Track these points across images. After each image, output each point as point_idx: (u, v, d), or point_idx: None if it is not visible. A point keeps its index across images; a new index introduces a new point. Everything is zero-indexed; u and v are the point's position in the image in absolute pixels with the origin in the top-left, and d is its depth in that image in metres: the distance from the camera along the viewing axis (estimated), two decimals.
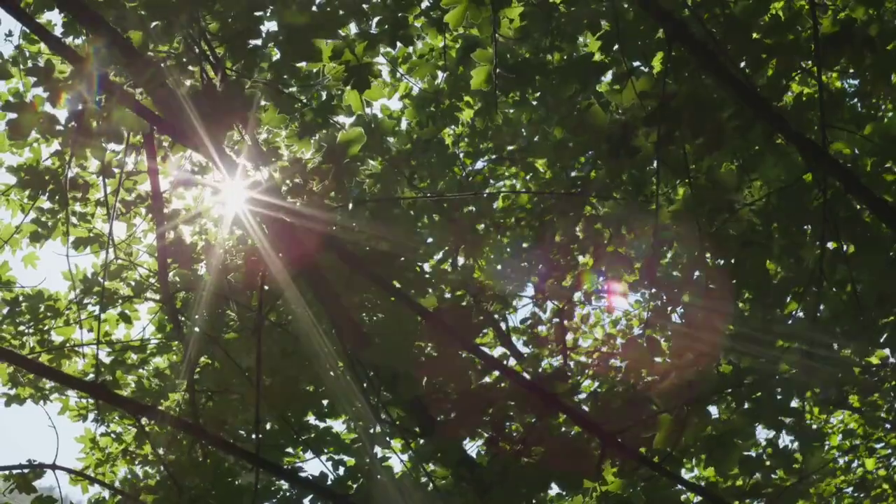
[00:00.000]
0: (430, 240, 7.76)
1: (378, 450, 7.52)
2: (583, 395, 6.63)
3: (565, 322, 8.40)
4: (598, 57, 6.42)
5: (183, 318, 7.91)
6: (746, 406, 6.04)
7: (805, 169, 6.10)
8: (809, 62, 6.03)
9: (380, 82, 7.00)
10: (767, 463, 6.25)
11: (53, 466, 7.58)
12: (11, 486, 7.95)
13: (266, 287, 6.86)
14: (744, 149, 6.23)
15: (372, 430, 7.23)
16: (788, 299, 6.33)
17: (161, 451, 8.42)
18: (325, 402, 7.90)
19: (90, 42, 6.15)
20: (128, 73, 6.03)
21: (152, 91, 6.00)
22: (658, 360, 6.37)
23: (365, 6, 6.80)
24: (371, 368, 7.10)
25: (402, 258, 7.16)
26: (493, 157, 8.31)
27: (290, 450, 8.08)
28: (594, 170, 7.25)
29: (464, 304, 7.42)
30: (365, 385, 7.16)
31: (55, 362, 8.80)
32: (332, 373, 7.54)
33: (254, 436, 7.28)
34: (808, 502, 7.03)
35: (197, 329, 7.91)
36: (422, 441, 7.40)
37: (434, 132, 8.06)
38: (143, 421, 8.06)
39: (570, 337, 8.90)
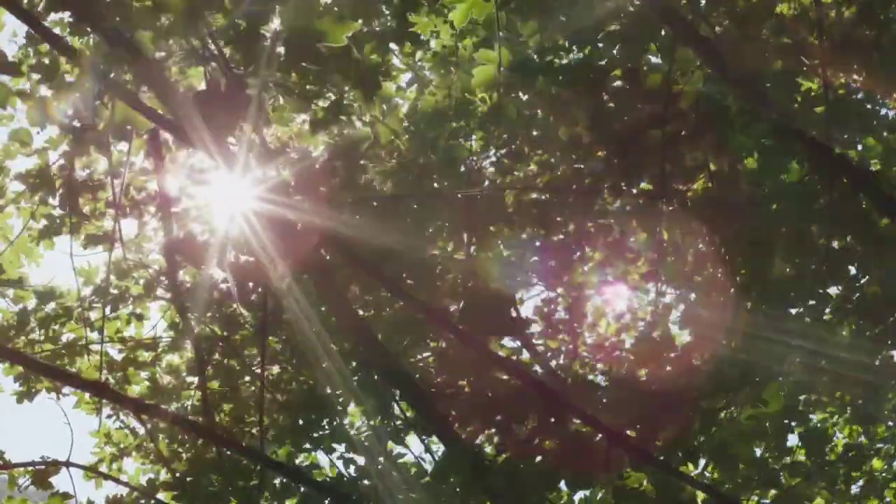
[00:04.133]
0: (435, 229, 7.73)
1: (390, 447, 7.52)
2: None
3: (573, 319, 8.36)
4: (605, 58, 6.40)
5: (193, 317, 7.92)
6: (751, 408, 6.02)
7: (812, 168, 6.07)
8: (816, 62, 5.99)
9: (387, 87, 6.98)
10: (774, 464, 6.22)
11: (67, 464, 7.62)
12: (27, 483, 7.99)
13: (272, 286, 6.86)
14: (752, 148, 6.19)
15: (385, 428, 7.24)
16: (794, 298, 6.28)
17: (175, 448, 8.43)
18: (334, 401, 7.89)
19: (95, 42, 6.16)
20: (132, 71, 6.03)
21: (157, 90, 5.99)
22: (667, 357, 6.35)
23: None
24: (379, 366, 7.11)
25: (411, 256, 7.16)
26: (504, 151, 8.28)
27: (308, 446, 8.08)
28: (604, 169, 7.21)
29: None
30: (375, 380, 7.17)
31: (67, 359, 8.81)
32: (341, 371, 7.55)
33: (259, 434, 7.30)
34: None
35: (207, 328, 7.93)
36: (433, 438, 7.41)
37: (444, 130, 8.03)
38: (152, 420, 8.09)
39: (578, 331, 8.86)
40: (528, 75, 6.66)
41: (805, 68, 6.10)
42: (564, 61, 6.99)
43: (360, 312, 7.23)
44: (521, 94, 7.10)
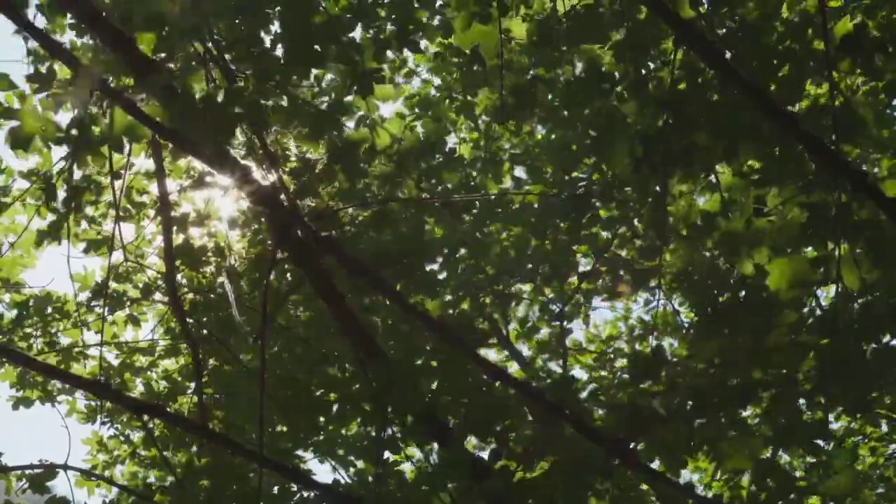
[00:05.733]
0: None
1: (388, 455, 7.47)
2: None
3: (567, 325, 8.38)
4: (608, 68, 6.33)
5: (191, 321, 7.88)
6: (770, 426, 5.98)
7: (819, 173, 6.01)
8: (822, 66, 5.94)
9: (386, 89, 6.94)
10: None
11: (65, 467, 7.60)
12: (24, 486, 7.98)
13: (272, 289, 6.84)
14: (761, 155, 6.14)
15: (382, 435, 7.18)
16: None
17: (168, 454, 8.41)
18: (334, 406, 7.83)
19: (94, 46, 6.11)
20: (132, 77, 5.99)
21: (156, 95, 5.94)
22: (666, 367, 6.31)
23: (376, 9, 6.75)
24: (379, 373, 7.07)
25: (408, 260, 7.12)
26: (499, 158, 8.29)
27: (300, 452, 8.05)
28: (596, 173, 7.20)
29: (466, 307, 7.38)
30: (374, 386, 7.13)
31: (63, 364, 8.79)
32: (339, 376, 7.52)
33: (259, 438, 7.24)
34: None
35: (205, 331, 7.90)
36: (434, 446, 7.37)
37: (440, 132, 8.01)
38: (152, 422, 8.07)
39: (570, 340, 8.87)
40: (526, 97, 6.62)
41: (811, 69, 6.06)
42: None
43: (361, 316, 7.18)
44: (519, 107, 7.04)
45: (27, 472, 7.78)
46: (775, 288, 6.03)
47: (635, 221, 7.80)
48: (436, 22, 7.34)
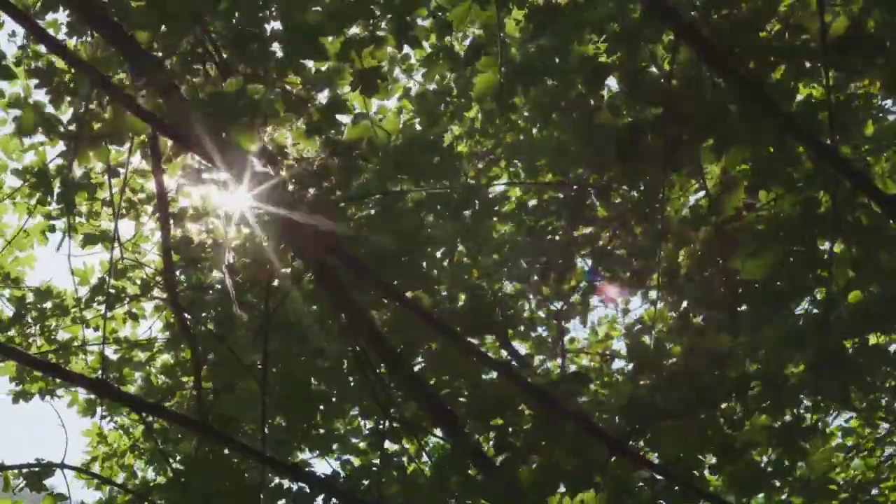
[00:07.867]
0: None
1: (388, 447, 7.49)
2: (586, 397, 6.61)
3: (563, 322, 8.39)
4: (603, 59, 6.34)
5: (189, 317, 7.89)
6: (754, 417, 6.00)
7: (814, 170, 6.03)
8: (819, 65, 5.95)
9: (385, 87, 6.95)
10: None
11: (62, 465, 7.61)
12: (21, 484, 7.99)
13: (273, 285, 6.85)
14: (754, 152, 6.15)
15: (381, 427, 7.20)
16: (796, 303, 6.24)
17: (168, 448, 8.39)
18: (332, 400, 7.84)
19: (94, 43, 6.12)
20: (132, 73, 6.00)
21: (157, 92, 5.95)
22: (665, 363, 6.34)
23: (372, 7, 6.75)
24: (380, 366, 7.10)
25: (407, 257, 7.13)
26: (494, 155, 8.30)
27: (299, 451, 8.05)
28: (594, 173, 7.21)
29: (462, 304, 7.39)
30: (373, 380, 7.14)
31: (62, 360, 8.79)
32: (339, 370, 7.53)
33: (261, 434, 7.26)
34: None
35: (203, 328, 7.89)
36: (434, 436, 7.40)
37: (437, 132, 7.99)
38: (150, 419, 8.06)
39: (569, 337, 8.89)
40: (529, 77, 6.59)
41: (808, 67, 6.07)
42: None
43: (365, 310, 7.20)
44: (518, 99, 7.02)
45: (24, 470, 7.81)
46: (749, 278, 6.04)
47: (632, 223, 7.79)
48: (427, 24, 7.35)
